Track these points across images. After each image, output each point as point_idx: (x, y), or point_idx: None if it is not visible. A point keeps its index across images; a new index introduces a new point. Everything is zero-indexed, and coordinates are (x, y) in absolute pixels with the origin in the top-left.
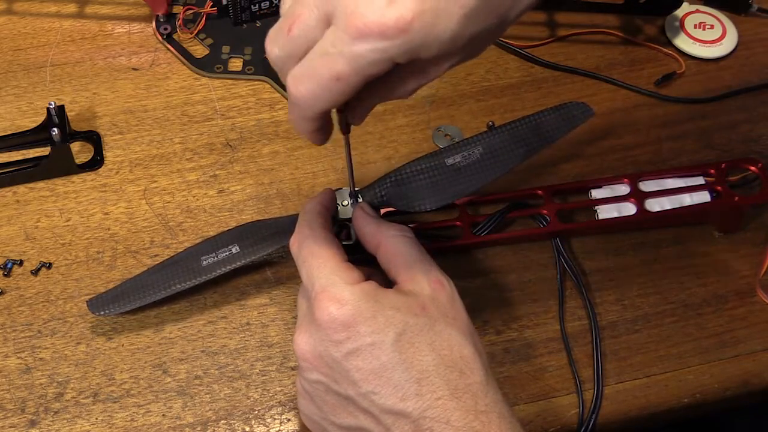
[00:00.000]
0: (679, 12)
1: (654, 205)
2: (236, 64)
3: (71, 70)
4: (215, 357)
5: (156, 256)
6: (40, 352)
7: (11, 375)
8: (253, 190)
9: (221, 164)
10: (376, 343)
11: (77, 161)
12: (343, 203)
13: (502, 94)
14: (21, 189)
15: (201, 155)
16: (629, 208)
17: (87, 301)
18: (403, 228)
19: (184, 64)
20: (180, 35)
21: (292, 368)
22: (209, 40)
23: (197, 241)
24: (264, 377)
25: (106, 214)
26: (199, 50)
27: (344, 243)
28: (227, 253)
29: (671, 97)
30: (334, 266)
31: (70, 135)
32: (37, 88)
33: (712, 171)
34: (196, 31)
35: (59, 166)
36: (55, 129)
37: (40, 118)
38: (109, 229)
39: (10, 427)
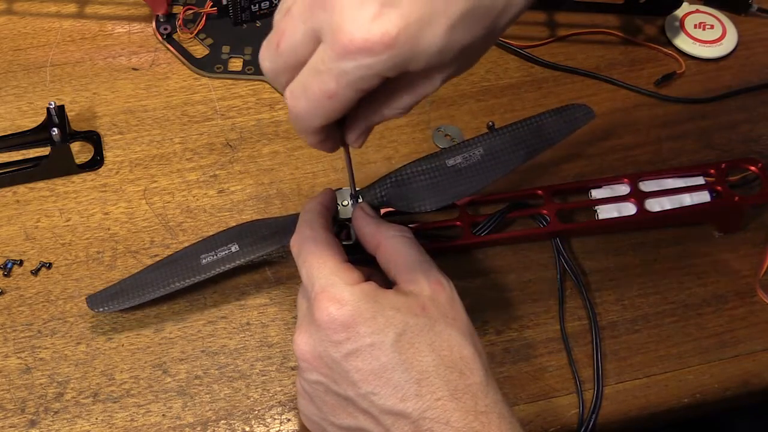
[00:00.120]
0: (679, 12)
1: (654, 205)
2: (236, 64)
3: (71, 70)
4: (215, 357)
5: (156, 256)
6: (40, 352)
7: (11, 375)
8: (253, 190)
9: (221, 164)
10: (376, 344)
11: (77, 161)
12: (344, 203)
13: (502, 94)
14: (21, 189)
15: (201, 155)
16: (629, 208)
17: (86, 298)
18: (402, 228)
19: (184, 64)
20: (180, 35)
21: (292, 368)
22: (209, 40)
23: (196, 241)
24: (264, 377)
25: (106, 214)
26: (199, 50)
27: (344, 243)
28: (227, 252)
29: (671, 97)
30: (334, 266)
31: (70, 135)
32: (37, 88)
33: (712, 171)
34: (196, 31)
35: (59, 166)
36: (55, 129)
37: (40, 118)
38: (109, 229)
39: (10, 427)
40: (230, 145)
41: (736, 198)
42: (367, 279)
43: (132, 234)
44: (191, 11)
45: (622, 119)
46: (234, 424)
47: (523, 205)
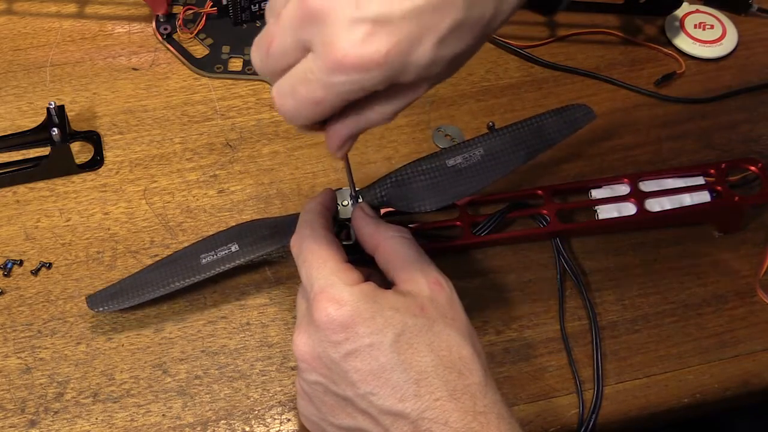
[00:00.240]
0: (679, 12)
1: (654, 205)
2: (236, 64)
3: (71, 70)
4: (215, 357)
5: (156, 256)
6: (40, 352)
7: (11, 375)
8: (253, 190)
9: (221, 164)
10: (375, 344)
11: (77, 161)
12: (344, 203)
13: (502, 94)
14: (21, 189)
15: (201, 155)
16: (629, 208)
17: (86, 298)
18: (401, 229)
19: (184, 64)
20: (180, 35)
21: (292, 368)
22: (209, 40)
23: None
24: (264, 377)
25: (106, 214)
26: (199, 50)
27: (344, 243)
28: (226, 252)
29: (671, 97)
30: (334, 267)
31: (70, 135)
32: (37, 88)
33: (712, 171)
34: (196, 31)
35: (59, 166)
36: (55, 129)
37: (40, 118)
38: (109, 229)
39: (10, 427)
40: (230, 145)
41: (736, 198)
42: (367, 279)
43: (132, 234)
44: (191, 11)
45: (622, 119)
46: (234, 424)
47: (523, 205)
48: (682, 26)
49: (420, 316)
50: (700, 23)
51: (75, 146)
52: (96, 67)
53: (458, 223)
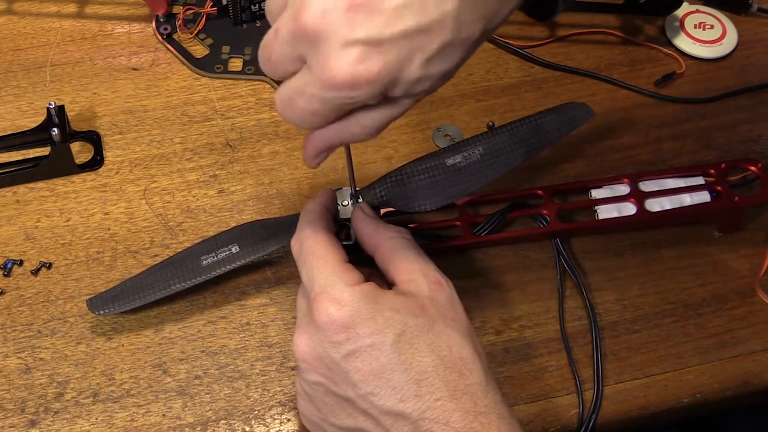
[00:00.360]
0: (679, 12)
1: (654, 205)
2: (236, 64)
3: (71, 70)
4: (215, 357)
5: (156, 256)
6: (40, 352)
7: (11, 375)
8: (253, 190)
9: (221, 164)
10: (376, 344)
11: (77, 161)
12: (344, 203)
13: (502, 94)
14: (21, 189)
15: (201, 155)
16: (629, 208)
17: (87, 301)
18: (401, 230)
19: (184, 64)
20: (180, 35)
21: (292, 368)
22: (209, 40)
23: (197, 241)
24: (264, 377)
25: (106, 214)
26: (199, 50)
27: (344, 243)
28: (227, 253)
29: (671, 97)
30: (334, 267)
31: (70, 135)
32: (37, 88)
33: (712, 171)
34: (196, 31)
35: (59, 166)
36: (55, 129)
37: (40, 118)
38: (109, 229)
39: (10, 427)
40: (230, 145)
41: (736, 198)
42: (367, 279)
43: (132, 234)
44: (191, 11)
45: (622, 119)
46: (234, 424)
47: (523, 205)
48: (682, 26)
49: (420, 317)
50: (700, 23)
51: (75, 146)
52: (96, 67)
53: (458, 223)
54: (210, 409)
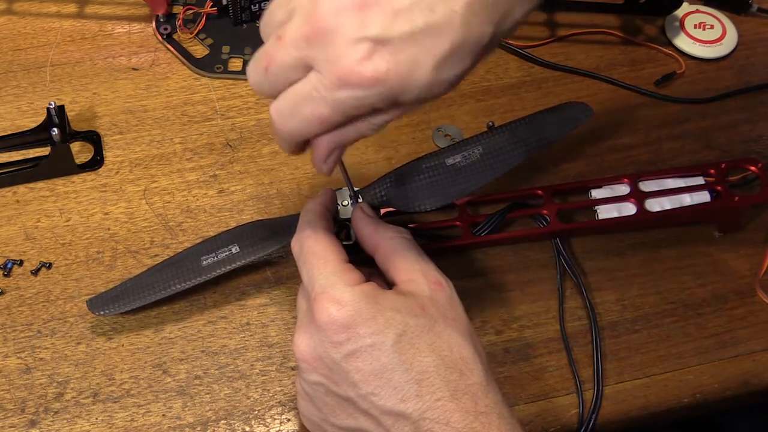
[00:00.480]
0: (679, 12)
1: (654, 205)
2: (236, 64)
3: (71, 70)
4: (215, 357)
5: (156, 256)
6: (40, 352)
7: (11, 375)
8: (253, 190)
9: (221, 164)
10: (376, 344)
11: (77, 161)
12: (344, 203)
13: (502, 94)
14: (21, 189)
15: (201, 155)
16: (629, 208)
17: (87, 301)
18: (400, 230)
19: (184, 64)
20: (180, 35)
21: (292, 368)
22: (209, 40)
23: (197, 241)
24: (264, 377)
25: (106, 214)
26: (199, 50)
27: (344, 243)
28: (227, 253)
29: (671, 97)
30: (335, 267)
31: (70, 135)
32: (37, 88)
33: (712, 171)
34: (196, 31)
35: (59, 166)
36: (55, 129)
37: (40, 118)
38: (109, 229)
39: (10, 427)
40: (230, 145)
41: (736, 198)
42: (368, 279)
43: (132, 234)
44: (191, 11)
45: (622, 119)
46: (234, 424)
47: (523, 205)
48: (682, 26)
49: (421, 317)
50: (700, 23)
51: (75, 146)
52: (96, 67)
53: (458, 223)
54: (210, 409)
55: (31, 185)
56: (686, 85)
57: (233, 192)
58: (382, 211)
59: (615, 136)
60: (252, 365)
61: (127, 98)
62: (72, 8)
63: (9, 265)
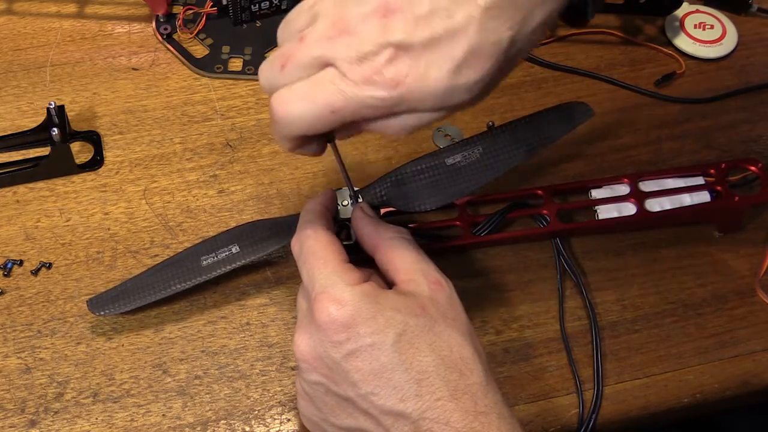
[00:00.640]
0: (679, 12)
1: (654, 205)
2: (236, 64)
3: (71, 70)
4: (215, 357)
5: (156, 256)
6: (40, 352)
7: (11, 375)
8: (253, 190)
9: (221, 164)
10: (376, 344)
11: (77, 161)
12: (344, 203)
13: (502, 94)
14: (21, 189)
15: (201, 155)
16: (629, 208)
17: (87, 301)
18: (400, 230)
19: (184, 64)
20: (180, 35)
21: (292, 368)
22: (209, 40)
23: (197, 241)
24: (264, 377)
25: (106, 214)
26: (199, 50)
27: (345, 243)
28: (227, 253)
29: (671, 97)
30: (335, 267)
31: (70, 135)
32: (37, 88)
33: (712, 171)
34: (196, 31)
35: (59, 166)
36: (55, 129)
37: (40, 118)
38: (109, 229)
39: (10, 427)
40: (230, 145)
41: (737, 198)
42: (368, 279)
43: (132, 234)
44: (191, 11)
45: (622, 119)
46: (234, 424)
47: (523, 205)
48: (682, 26)
49: (421, 316)
50: (700, 23)
51: (75, 146)
52: (96, 67)
53: (458, 223)
54: (210, 409)
55: (31, 185)
56: (686, 85)
57: (233, 192)
58: (382, 211)
59: (615, 136)
60: (252, 365)
61: (127, 98)
62: (72, 8)
63: (9, 265)
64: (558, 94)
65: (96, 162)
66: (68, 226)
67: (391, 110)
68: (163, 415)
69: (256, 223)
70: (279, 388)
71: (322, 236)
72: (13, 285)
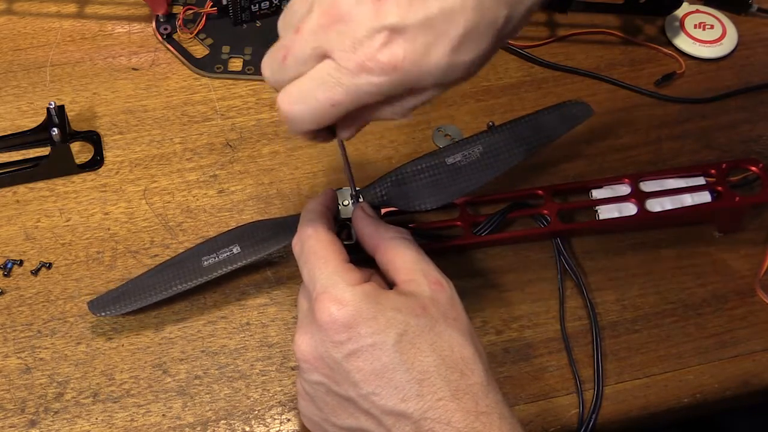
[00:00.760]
0: (679, 12)
1: (655, 205)
2: (236, 64)
3: (71, 70)
4: (215, 357)
5: (156, 256)
6: (40, 352)
7: (11, 375)
8: (253, 190)
9: (221, 164)
10: (377, 344)
11: (77, 161)
12: (344, 203)
13: (502, 94)
14: (21, 189)
15: (201, 155)
16: (630, 209)
17: (88, 303)
18: (401, 230)
19: (184, 64)
20: (180, 35)
21: (292, 368)
22: (209, 40)
23: (197, 241)
24: (264, 377)
25: (106, 214)
26: (199, 50)
27: (345, 243)
28: (228, 254)
29: (671, 97)
30: (336, 267)
31: (70, 135)
32: (37, 88)
33: (713, 171)
34: (196, 31)
35: (59, 166)
36: (55, 129)
37: (40, 118)
38: (109, 229)
39: (10, 427)
40: (230, 145)
41: (737, 198)
42: (369, 279)
43: (132, 234)
44: (191, 11)
45: (622, 119)
46: (234, 424)
47: (524, 205)
48: (682, 26)
49: (422, 316)
50: (700, 23)
51: (75, 146)
52: (96, 67)
53: (458, 223)
54: (210, 409)
55: (31, 185)
56: (686, 85)
57: (233, 192)
58: (383, 210)
59: (615, 136)
60: (252, 365)
61: (127, 98)
62: (72, 8)
63: (9, 265)
64: (558, 94)
65: (96, 162)
66: (68, 226)
67: (390, 94)
68: (163, 415)
69: (256, 223)
70: (279, 388)
71: (323, 236)
72: (13, 285)
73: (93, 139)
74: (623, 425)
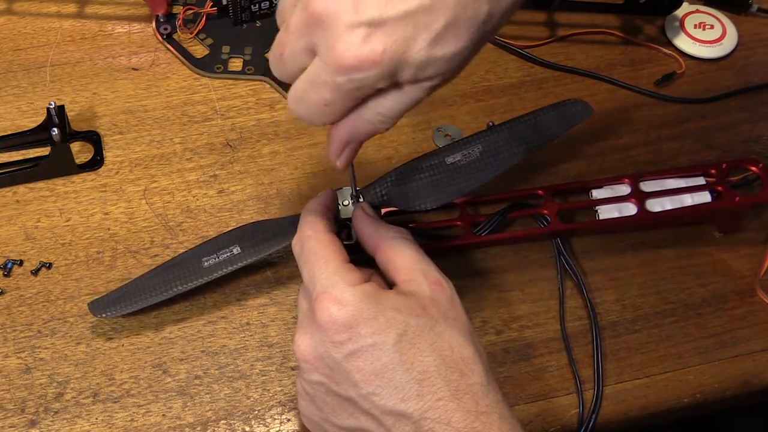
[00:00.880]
0: (679, 12)
1: (655, 205)
2: (236, 64)
3: (71, 70)
4: (215, 357)
5: (156, 256)
6: (40, 352)
7: (11, 375)
8: (253, 190)
9: (221, 164)
10: (377, 344)
11: (77, 161)
12: (344, 203)
13: (502, 94)
14: (21, 189)
15: (201, 155)
16: (630, 209)
17: (88, 304)
18: (401, 230)
19: (184, 64)
20: (180, 35)
21: (292, 368)
22: (209, 40)
23: (197, 242)
24: (264, 377)
25: (106, 214)
26: (199, 50)
27: (345, 243)
28: (228, 254)
29: (671, 97)
30: (336, 267)
31: (70, 135)
32: (37, 88)
33: (713, 171)
34: (196, 31)
35: (59, 166)
36: (55, 129)
37: (40, 118)
38: (109, 229)
39: (10, 427)
40: (230, 145)
41: (737, 198)
42: (368, 279)
43: (132, 234)
44: (191, 11)
45: (622, 119)
46: (234, 424)
47: (524, 205)
48: (682, 26)
49: (422, 317)
50: (700, 23)
51: (75, 146)
52: (96, 67)
53: (458, 223)
54: (210, 409)
55: (31, 185)
56: (686, 85)
57: (233, 192)
58: (383, 210)
59: (615, 136)
60: (252, 365)
61: (127, 98)
62: (72, 8)
63: (9, 265)
64: (558, 94)
65: (96, 162)
66: (68, 226)
67: (374, 89)
68: (163, 415)
69: (256, 223)
70: (279, 388)
71: (323, 236)
72: (13, 285)
73: (93, 139)
74: (623, 425)
